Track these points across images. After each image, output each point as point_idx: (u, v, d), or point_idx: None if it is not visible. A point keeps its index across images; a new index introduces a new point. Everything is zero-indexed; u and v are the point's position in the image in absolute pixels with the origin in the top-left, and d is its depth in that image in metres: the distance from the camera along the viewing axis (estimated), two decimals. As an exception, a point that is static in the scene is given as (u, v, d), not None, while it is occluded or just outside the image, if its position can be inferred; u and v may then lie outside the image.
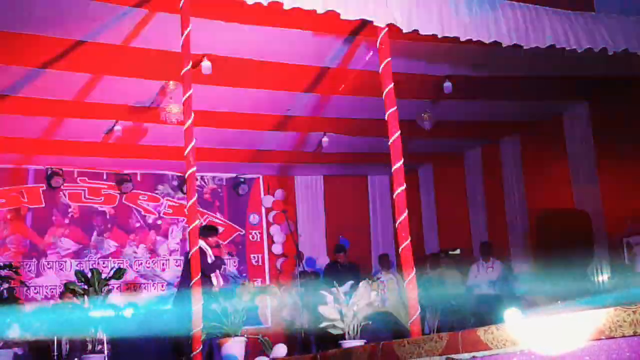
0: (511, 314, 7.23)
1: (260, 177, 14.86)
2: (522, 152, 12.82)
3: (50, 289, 12.43)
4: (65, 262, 12.71)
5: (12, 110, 9.80)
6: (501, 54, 8.62)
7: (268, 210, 14.80)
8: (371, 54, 8.67)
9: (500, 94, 10.65)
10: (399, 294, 10.54)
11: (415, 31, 6.77)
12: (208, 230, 9.69)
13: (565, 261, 9.28)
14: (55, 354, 8.66)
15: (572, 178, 11.63)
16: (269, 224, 14.78)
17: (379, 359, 4.56)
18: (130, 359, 7.66)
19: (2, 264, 9.00)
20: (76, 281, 7.70)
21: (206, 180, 14.30)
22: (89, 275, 7.39)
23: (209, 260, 9.15)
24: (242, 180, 14.52)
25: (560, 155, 11.81)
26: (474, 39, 6.92)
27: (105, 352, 7.78)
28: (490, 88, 10.36)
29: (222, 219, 14.36)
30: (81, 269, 12.32)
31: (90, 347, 7.56)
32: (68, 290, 8.04)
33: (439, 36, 6.81)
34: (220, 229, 12.59)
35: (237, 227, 14.48)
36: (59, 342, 8.80)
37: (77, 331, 7.48)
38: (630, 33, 7.58)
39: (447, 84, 9.84)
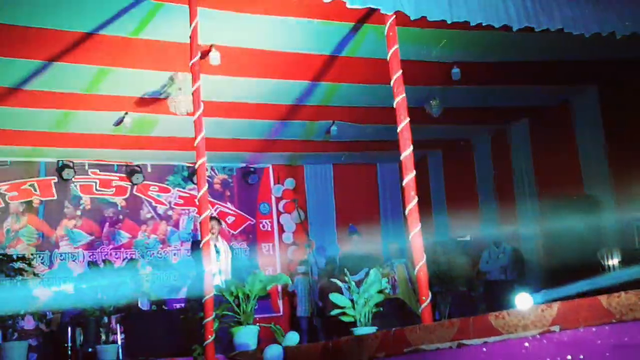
0: (522, 299, 7.24)
1: (270, 166, 14.89)
2: (531, 137, 12.78)
3: (64, 280, 12.50)
4: (78, 253, 12.78)
5: (23, 103, 9.84)
6: (509, 39, 8.64)
7: (278, 200, 14.83)
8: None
9: (509, 79, 10.61)
10: (409, 281, 10.60)
11: (424, 17, 6.75)
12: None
13: (575, 246, 9.28)
14: (69, 344, 8.73)
15: (582, 163, 11.59)
16: (279, 213, 14.81)
17: (391, 346, 4.58)
18: (144, 349, 7.71)
19: (15, 257, 9.07)
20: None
21: (216, 171, 14.33)
22: (102, 266, 7.44)
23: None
24: (252, 169, 14.55)
25: (569, 140, 11.78)
26: (484, 24, 6.90)
27: (119, 341, 7.86)
28: (499, 74, 10.32)
29: (232, 208, 14.40)
30: (94, 259, 12.43)
31: (104, 337, 7.65)
32: (82, 281, 8.11)
33: (448, 22, 6.79)
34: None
35: (247, 216, 14.53)
36: (73, 333, 8.88)
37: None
38: (639, 16, 7.53)
39: (455, 70, 9.81)
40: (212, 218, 10.15)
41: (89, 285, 8.54)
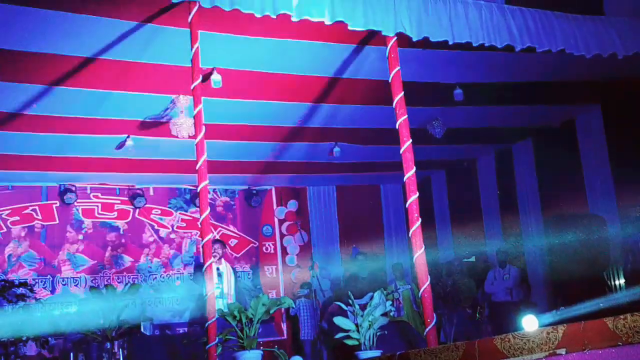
0: (528, 321, 7.15)
1: (273, 188, 14.85)
2: (536, 156, 12.74)
3: (66, 305, 12.43)
4: (80, 278, 12.73)
5: (25, 128, 9.84)
6: (511, 59, 8.63)
7: (281, 222, 14.78)
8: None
9: (512, 99, 10.60)
10: (414, 303, 10.54)
11: (426, 38, 6.76)
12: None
13: (580, 266, 9.21)
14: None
15: (586, 182, 11.54)
16: (282, 236, 14.75)
17: (395, 370, 4.52)
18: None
19: (17, 282, 9.03)
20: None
21: (218, 193, 14.30)
22: (104, 291, 7.40)
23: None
24: (255, 192, 14.53)
25: (573, 159, 11.73)
26: (486, 44, 6.91)
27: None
28: (502, 94, 10.31)
29: (235, 231, 14.36)
30: (96, 284, 12.38)
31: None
32: (84, 306, 8.06)
33: (450, 42, 6.80)
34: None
35: (250, 239, 14.48)
36: (75, 358, 8.81)
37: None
38: (640, 35, 7.54)
39: (458, 91, 9.79)
40: (215, 241, 10.13)
41: (91, 309, 8.49)
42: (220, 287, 9.38)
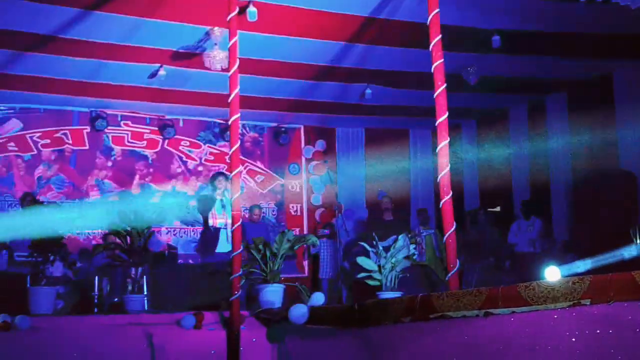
0: (551, 272, 7.16)
1: (302, 127, 14.83)
2: (569, 110, 12.56)
3: (92, 229, 12.63)
4: (107, 204, 12.87)
5: (59, 51, 9.86)
6: (551, 8, 8.46)
7: (308, 161, 14.80)
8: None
9: (549, 50, 10.42)
10: (437, 249, 10.56)
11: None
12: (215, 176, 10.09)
13: (608, 222, 9.15)
14: (96, 293, 8.83)
15: (619, 138, 11.38)
16: (308, 175, 14.79)
17: (416, 311, 4.55)
18: (170, 301, 7.77)
19: (46, 203, 9.17)
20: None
21: (247, 129, 14.32)
22: (132, 217, 7.48)
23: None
24: (284, 129, 14.52)
25: (608, 115, 11.53)
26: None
27: (145, 292, 7.91)
28: (539, 44, 10.14)
29: (262, 167, 14.41)
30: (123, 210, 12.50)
31: (130, 288, 7.70)
32: (111, 231, 8.16)
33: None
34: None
35: (276, 176, 14.53)
36: (100, 282, 8.96)
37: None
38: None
39: (496, 38, 9.63)
40: (219, 173, 10.24)
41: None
42: (224, 221, 9.53)
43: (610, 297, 3.49)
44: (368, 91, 12.05)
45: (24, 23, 8.94)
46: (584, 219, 11.20)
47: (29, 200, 10.34)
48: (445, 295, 4.42)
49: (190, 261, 11.87)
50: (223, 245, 9.41)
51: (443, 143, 6.24)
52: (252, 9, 8.55)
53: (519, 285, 3.90)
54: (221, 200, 9.63)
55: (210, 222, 9.54)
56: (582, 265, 7.51)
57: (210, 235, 9.58)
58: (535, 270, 8.88)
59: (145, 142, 13.44)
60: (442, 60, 6.39)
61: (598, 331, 3.51)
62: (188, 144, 13.79)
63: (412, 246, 6.95)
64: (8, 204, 12.11)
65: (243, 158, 13.89)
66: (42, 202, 9.45)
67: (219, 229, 9.55)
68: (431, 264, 10.16)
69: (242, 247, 6.36)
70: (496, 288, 4.08)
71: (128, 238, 7.50)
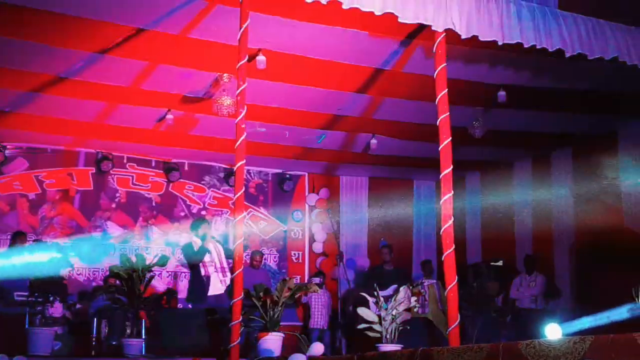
0: (552, 330, 7.11)
1: (306, 174, 14.87)
2: (574, 165, 12.57)
3: (93, 271, 12.60)
4: (110, 245, 12.85)
5: (69, 93, 9.95)
6: (557, 65, 8.54)
7: (311, 208, 14.80)
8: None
9: (555, 105, 10.50)
10: (439, 301, 10.50)
11: (474, 37, 6.71)
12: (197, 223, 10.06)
13: (611, 280, 9.10)
14: (94, 335, 8.79)
15: (624, 196, 11.38)
16: (311, 222, 14.77)
17: (416, 365, 4.52)
18: (169, 346, 7.73)
19: (48, 244, 9.17)
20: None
21: (252, 174, 14.35)
22: (134, 260, 7.48)
23: (195, 249, 9.53)
24: (288, 176, 14.55)
25: (613, 172, 11.56)
26: (538, 46, 6.83)
27: (143, 336, 7.88)
28: (545, 99, 10.22)
29: (265, 213, 14.41)
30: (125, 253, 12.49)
31: (129, 331, 7.67)
32: (112, 274, 8.15)
33: (500, 43, 6.74)
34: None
35: (279, 222, 14.51)
36: (99, 325, 8.93)
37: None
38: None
39: (502, 93, 9.72)
40: (201, 220, 10.26)
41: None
42: (213, 265, 9.52)
43: (611, 358, 3.47)
44: (373, 141, 12.11)
45: (35, 64, 9.05)
46: (586, 276, 11.14)
47: (20, 240, 10.38)
48: (446, 350, 4.40)
49: (190, 305, 11.79)
50: (215, 289, 9.45)
51: (447, 196, 6.28)
52: (261, 57, 8.67)
53: (520, 343, 3.88)
54: (203, 247, 9.60)
55: (202, 271, 9.51)
56: (584, 323, 7.47)
57: (201, 283, 9.56)
58: (537, 327, 8.83)
59: (149, 184, 13.46)
60: (447, 113, 6.47)
61: (599, 393, 3.48)
62: (192, 187, 13.82)
63: (413, 298, 6.91)
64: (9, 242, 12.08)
65: (246, 204, 13.88)
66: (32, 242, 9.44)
67: (209, 276, 9.53)
68: (434, 316, 10.10)
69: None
70: (497, 344, 4.06)
71: (129, 281, 7.48)
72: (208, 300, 9.35)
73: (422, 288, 10.17)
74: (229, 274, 9.57)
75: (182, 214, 13.66)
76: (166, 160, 13.49)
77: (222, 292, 9.45)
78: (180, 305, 11.56)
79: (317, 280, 12.77)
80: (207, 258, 9.56)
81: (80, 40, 8.43)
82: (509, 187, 13.78)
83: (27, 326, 7.45)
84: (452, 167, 6.38)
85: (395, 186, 14.99)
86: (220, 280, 9.57)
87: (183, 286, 12.87)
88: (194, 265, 9.60)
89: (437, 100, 6.52)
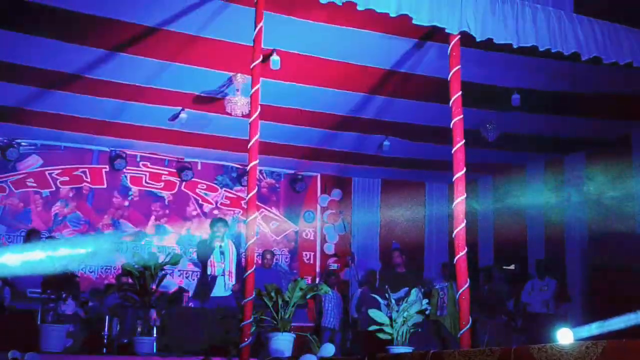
0: (563, 335, 7.07)
1: (318, 175, 14.86)
2: (586, 169, 12.51)
3: (106, 269, 12.64)
4: (123, 243, 12.89)
5: (83, 90, 9.99)
6: (571, 69, 8.51)
7: (323, 209, 14.79)
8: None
9: (569, 109, 10.46)
10: (456, 303, 10.46)
11: (489, 39, 6.69)
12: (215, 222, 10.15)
13: (623, 286, 9.06)
14: (106, 333, 8.81)
15: (636, 199, 11.32)
16: (323, 223, 14.76)
17: (427, 368, 4.52)
18: (179, 344, 7.75)
19: (61, 242, 9.20)
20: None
21: (264, 175, 14.36)
22: (146, 257, 7.50)
23: (208, 246, 9.69)
24: (300, 177, 14.56)
25: (626, 176, 11.51)
26: (553, 50, 6.81)
27: (154, 334, 7.90)
28: (559, 103, 10.18)
29: (277, 213, 14.42)
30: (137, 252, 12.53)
31: (140, 329, 7.69)
32: (125, 272, 8.17)
33: (514, 46, 6.72)
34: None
35: (291, 223, 14.52)
36: (110, 323, 8.96)
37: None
38: None
39: (516, 96, 9.69)
40: (218, 220, 10.28)
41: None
42: (222, 267, 9.54)
43: (624, 363, 3.45)
44: (386, 143, 12.10)
45: (50, 60, 9.09)
46: (598, 281, 11.08)
47: (34, 237, 10.43)
48: (457, 353, 4.39)
49: (191, 304, 11.80)
50: (219, 291, 9.46)
51: (460, 198, 6.26)
52: (275, 57, 8.68)
53: (532, 347, 3.87)
54: (220, 246, 9.64)
55: (209, 270, 9.55)
56: (595, 328, 7.43)
57: (206, 281, 9.59)
58: (548, 331, 8.78)
59: (162, 183, 13.49)
60: (461, 116, 6.46)
61: (611, 398, 3.46)
62: (205, 187, 13.85)
63: (424, 300, 6.90)
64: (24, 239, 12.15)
65: (259, 204, 13.89)
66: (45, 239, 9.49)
67: (216, 277, 9.56)
68: (452, 318, 10.04)
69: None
70: (508, 348, 4.04)
71: (141, 279, 7.50)
72: (211, 301, 9.38)
73: (442, 291, 10.13)
74: (234, 279, 9.63)
75: (195, 213, 13.69)
76: (179, 159, 13.53)
77: (226, 295, 9.52)
78: (191, 304, 11.59)
79: (333, 266, 12.69)
80: (217, 258, 9.58)
81: (95, 38, 8.48)
82: (521, 191, 13.73)
83: (39, 323, 7.49)
84: (464, 169, 6.37)
85: (407, 188, 14.96)
86: (225, 284, 9.61)
87: (194, 285, 12.91)
88: (203, 263, 9.64)
89: (451, 102, 6.51)
